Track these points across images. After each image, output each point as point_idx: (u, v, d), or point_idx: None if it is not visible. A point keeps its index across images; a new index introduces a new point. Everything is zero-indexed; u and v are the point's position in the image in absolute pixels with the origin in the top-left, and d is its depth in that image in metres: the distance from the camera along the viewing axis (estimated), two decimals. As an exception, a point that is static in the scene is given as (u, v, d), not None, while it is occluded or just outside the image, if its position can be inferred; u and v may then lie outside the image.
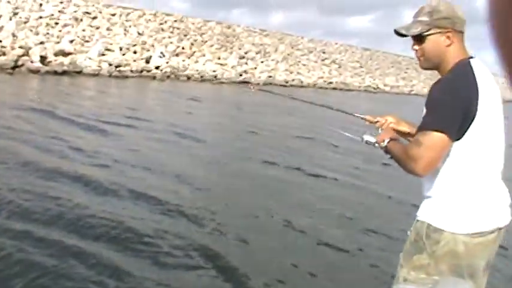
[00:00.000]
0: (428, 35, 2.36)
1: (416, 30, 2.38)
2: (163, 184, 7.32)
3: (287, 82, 40.86)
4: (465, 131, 2.23)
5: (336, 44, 64.00)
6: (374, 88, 51.78)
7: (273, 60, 44.26)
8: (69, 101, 15.98)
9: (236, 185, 7.96)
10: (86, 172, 7.30)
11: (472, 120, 2.21)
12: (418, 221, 2.41)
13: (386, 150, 2.54)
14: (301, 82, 42.77)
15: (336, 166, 9.64)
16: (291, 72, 43.64)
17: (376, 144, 2.59)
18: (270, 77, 39.76)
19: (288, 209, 6.74)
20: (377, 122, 2.86)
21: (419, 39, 2.39)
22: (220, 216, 6.12)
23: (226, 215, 6.32)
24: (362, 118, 2.99)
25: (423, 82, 64.22)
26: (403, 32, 2.43)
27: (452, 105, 2.22)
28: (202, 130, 13.43)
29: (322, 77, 46.88)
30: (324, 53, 56.00)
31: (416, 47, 2.43)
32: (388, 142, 2.53)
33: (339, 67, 53.36)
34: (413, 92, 55.44)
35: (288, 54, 48.26)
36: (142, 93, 24.15)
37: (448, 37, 2.34)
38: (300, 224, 6.09)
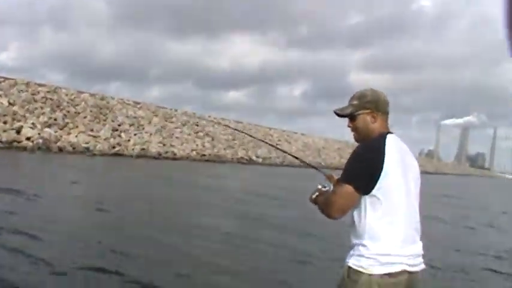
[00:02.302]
0: (357, 114, 3.03)
1: (348, 111, 3.07)
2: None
3: (160, 154, 41.52)
4: (373, 187, 2.74)
5: (210, 116, 65.66)
6: (247, 160, 53.65)
7: (146, 132, 44.77)
8: None
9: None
10: None
11: (378, 178, 2.73)
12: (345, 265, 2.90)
13: (315, 201, 3.11)
14: (175, 154, 43.59)
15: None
16: (164, 145, 44.37)
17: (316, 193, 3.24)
18: (143, 149, 40.27)
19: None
20: (331, 177, 3.38)
21: (352, 118, 3.07)
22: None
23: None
24: (323, 173, 3.47)
25: (295, 153, 66.93)
26: (339, 112, 3.11)
27: (359, 165, 2.82)
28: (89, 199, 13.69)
29: (195, 149, 48.02)
30: (197, 125, 57.24)
31: (350, 125, 3.09)
32: (317, 196, 3.13)
33: (212, 139, 54.74)
34: (285, 163, 57.89)
35: (162, 127, 48.93)
36: (17, 166, 23.75)
37: (373, 116, 3.00)
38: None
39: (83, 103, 43.07)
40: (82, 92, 46.30)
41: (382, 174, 2.74)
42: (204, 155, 48.14)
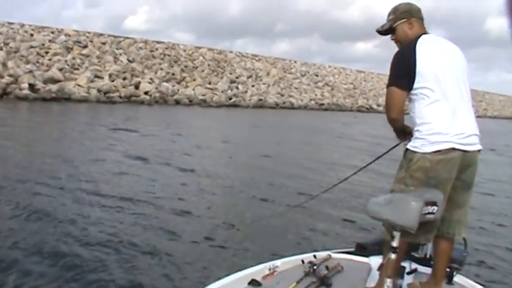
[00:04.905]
0: (396, 26, 3.34)
1: (388, 25, 3.37)
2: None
3: (277, 105, 41.53)
4: (413, 82, 3.06)
5: (330, 67, 64.72)
6: (367, 108, 52.47)
7: (264, 83, 44.94)
8: (64, 126, 16.69)
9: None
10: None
11: (414, 74, 3.05)
12: None
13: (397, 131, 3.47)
14: (292, 104, 43.46)
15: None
16: (282, 95, 44.34)
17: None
18: (261, 100, 40.43)
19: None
20: None
21: (392, 31, 3.37)
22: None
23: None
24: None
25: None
26: (380, 29, 3.42)
27: (395, 68, 3.17)
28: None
29: (313, 99, 47.58)
30: (316, 75, 56.70)
31: (393, 37, 3.39)
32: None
33: (332, 89, 54.06)
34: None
35: (280, 78, 48.94)
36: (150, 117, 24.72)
37: (409, 23, 3.30)
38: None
39: (201, 57, 43.90)
40: (200, 47, 47.16)
41: (418, 70, 3.07)
42: (323, 104, 47.54)
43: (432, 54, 3.14)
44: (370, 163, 3.93)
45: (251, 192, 8.79)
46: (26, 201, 6.89)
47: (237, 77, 43.22)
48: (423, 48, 3.12)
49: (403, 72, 3.12)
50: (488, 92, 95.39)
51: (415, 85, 3.08)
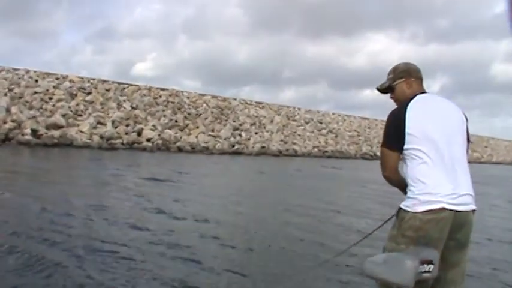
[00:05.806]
0: (395, 85, 3.44)
1: (387, 84, 3.50)
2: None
3: (281, 152, 41.51)
4: (403, 144, 3.14)
5: (333, 114, 64.96)
6: (371, 155, 52.37)
7: (267, 131, 45.03)
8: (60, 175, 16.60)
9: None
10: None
11: (404, 136, 3.13)
12: None
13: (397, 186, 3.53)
14: (296, 152, 43.46)
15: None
16: (286, 143, 44.38)
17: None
18: (264, 147, 40.43)
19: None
20: None
21: (391, 90, 3.48)
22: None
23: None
24: None
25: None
26: (380, 88, 3.55)
27: (386, 130, 3.29)
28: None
29: (317, 146, 47.60)
30: (320, 123, 56.86)
31: (392, 96, 3.50)
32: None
33: (336, 136, 54.15)
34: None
35: (284, 125, 49.06)
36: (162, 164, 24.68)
37: (407, 83, 3.39)
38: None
39: (205, 105, 44.15)
40: (204, 95, 47.47)
41: (407, 131, 3.14)
42: (326, 151, 47.53)
43: (422, 115, 3.21)
44: (392, 216, 3.86)
45: (265, 245, 8.26)
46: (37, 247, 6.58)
47: (240, 124, 43.34)
48: (414, 109, 3.19)
49: (394, 133, 3.22)
50: (493, 137, 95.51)
51: (406, 146, 3.16)
